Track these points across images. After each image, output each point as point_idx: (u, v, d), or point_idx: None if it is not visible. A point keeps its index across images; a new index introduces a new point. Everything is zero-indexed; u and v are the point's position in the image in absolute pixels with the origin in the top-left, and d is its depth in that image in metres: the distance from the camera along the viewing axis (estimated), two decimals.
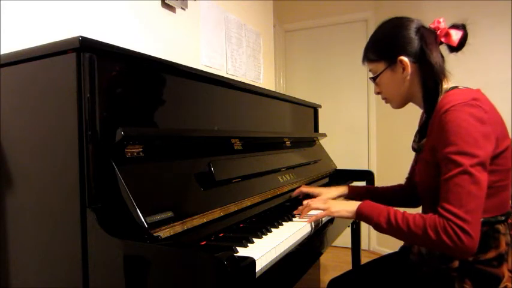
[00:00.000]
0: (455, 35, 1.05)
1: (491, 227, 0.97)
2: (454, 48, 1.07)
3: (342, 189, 1.41)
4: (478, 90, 1.03)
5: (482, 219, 0.93)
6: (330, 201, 1.18)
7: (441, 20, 1.07)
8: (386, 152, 3.32)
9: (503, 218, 0.99)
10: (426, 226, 0.90)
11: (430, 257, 1.05)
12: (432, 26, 1.08)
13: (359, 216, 1.07)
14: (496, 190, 0.97)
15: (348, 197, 1.41)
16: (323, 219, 1.24)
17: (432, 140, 0.99)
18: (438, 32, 1.07)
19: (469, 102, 0.93)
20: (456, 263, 0.98)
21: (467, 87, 1.04)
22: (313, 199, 1.29)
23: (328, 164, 2.03)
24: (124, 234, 0.75)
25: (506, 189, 1.00)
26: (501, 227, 0.98)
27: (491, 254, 0.96)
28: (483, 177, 0.89)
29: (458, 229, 0.86)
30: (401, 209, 1.01)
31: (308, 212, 1.21)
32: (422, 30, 1.07)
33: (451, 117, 0.92)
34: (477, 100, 0.95)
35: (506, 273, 0.96)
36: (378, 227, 1.01)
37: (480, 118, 0.92)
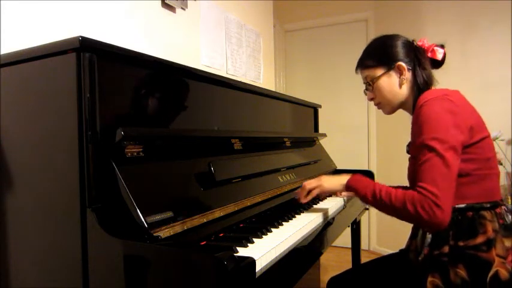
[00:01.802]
0: (439, 52, 1.19)
1: (475, 213, 1.05)
2: (437, 64, 1.20)
3: None
4: (455, 91, 1.13)
5: (465, 205, 1.05)
6: (323, 178, 1.26)
7: (425, 40, 1.21)
8: (386, 152, 3.32)
9: (488, 206, 1.06)
10: (406, 201, 0.99)
11: (422, 246, 1.11)
12: (419, 44, 1.20)
13: (348, 189, 1.17)
14: (476, 178, 1.05)
15: None
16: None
17: (413, 136, 1.10)
18: (425, 48, 1.19)
19: (440, 97, 1.06)
20: (446, 248, 1.04)
21: (445, 88, 1.14)
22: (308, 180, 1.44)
23: (328, 164, 2.03)
24: (124, 234, 0.75)
25: (489, 178, 1.07)
26: (487, 214, 1.05)
27: (479, 239, 1.02)
28: (454, 160, 0.99)
29: (433, 204, 0.95)
30: None
31: (305, 193, 1.28)
32: (414, 43, 1.20)
33: (424, 110, 1.04)
34: (448, 95, 1.07)
35: (496, 258, 1.01)
36: (365, 199, 1.10)
37: (450, 110, 1.03)
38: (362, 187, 1.11)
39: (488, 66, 2.73)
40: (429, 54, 1.18)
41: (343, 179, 1.18)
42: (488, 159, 1.07)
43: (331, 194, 1.52)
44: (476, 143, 1.05)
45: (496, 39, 2.70)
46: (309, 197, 1.27)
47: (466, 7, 2.79)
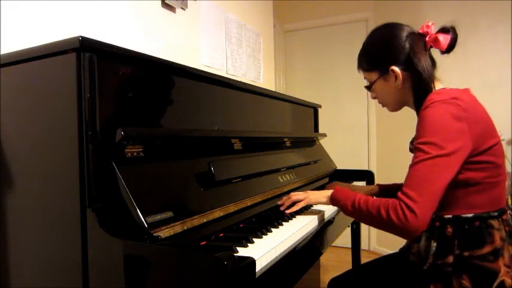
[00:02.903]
0: (444, 40, 1.07)
1: (483, 222, 1.01)
2: (445, 51, 1.10)
3: (372, 187, 1.50)
4: (466, 90, 1.06)
5: (472, 215, 1.00)
6: (310, 192, 1.26)
7: (430, 24, 1.09)
8: (386, 152, 3.32)
9: (496, 214, 1.02)
10: (380, 206, 0.96)
11: (426, 254, 1.07)
12: (421, 31, 1.10)
13: (333, 201, 1.15)
14: (485, 186, 1.00)
15: (378, 194, 1.50)
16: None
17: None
18: (427, 38, 1.09)
19: (448, 101, 0.98)
20: (451, 258, 1.00)
21: (455, 88, 1.07)
22: (333, 186, 1.41)
23: (328, 164, 2.03)
24: (124, 234, 0.75)
25: (497, 186, 1.03)
26: (494, 223, 1.01)
27: (486, 249, 0.99)
28: (447, 168, 0.93)
29: (406, 208, 0.91)
30: None
31: (290, 203, 1.26)
32: (411, 38, 1.10)
33: (428, 113, 0.98)
34: (456, 99, 0.99)
35: (503, 268, 0.98)
36: (345, 210, 1.08)
37: (456, 115, 0.96)
38: (343, 198, 1.09)
39: (488, 66, 2.73)
40: (432, 45, 1.09)
41: (329, 192, 1.17)
42: (498, 167, 1.02)
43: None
44: (487, 150, 0.99)
45: (496, 39, 2.69)
46: (294, 208, 1.24)
47: (466, 7, 2.79)
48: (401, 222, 0.91)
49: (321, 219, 1.27)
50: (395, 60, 1.10)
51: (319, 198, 1.21)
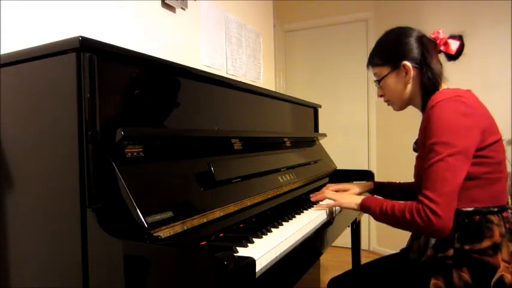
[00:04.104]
0: (454, 45, 1.14)
1: (483, 216, 1.03)
2: (452, 57, 1.16)
3: (368, 185, 1.52)
4: (468, 91, 1.10)
5: (473, 209, 1.03)
6: (342, 194, 1.31)
7: (440, 31, 1.16)
8: (386, 152, 3.32)
9: (495, 210, 1.04)
10: (405, 209, 1.00)
11: (426, 247, 1.09)
12: (432, 36, 1.16)
13: (362, 208, 1.18)
14: (486, 181, 1.03)
15: (373, 191, 1.52)
16: (334, 209, 1.36)
17: (422, 136, 1.08)
18: (438, 41, 1.15)
19: (453, 98, 1.03)
20: (451, 251, 1.03)
21: (457, 88, 1.11)
22: (328, 188, 1.45)
23: (328, 164, 2.03)
24: (124, 234, 0.75)
25: (498, 181, 1.05)
26: (494, 218, 1.03)
27: (486, 243, 1.01)
28: (461, 165, 0.97)
29: (428, 210, 0.95)
30: None
31: (322, 199, 1.38)
32: (423, 39, 1.16)
33: (435, 111, 1.02)
34: (461, 97, 1.03)
35: (502, 263, 0.99)
36: (375, 215, 1.12)
37: (462, 112, 1.00)
38: (373, 204, 1.12)
39: (488, 66, 2.73)
40: (442, 48, 1.15)
41: (359, 199, 1.20)
42: (499, 163, 1.05)
43: None
44: (488, 145, 1.02)
45: (496, 40, 2.70)
46: (323, 205, 1.33)
47: (466, 7, 2.79)
48: (426, 225, 0.95)
49: (321, 219, 1.27)
50: (407, 56, 1.15)
51: (350, 204, 1.23)
